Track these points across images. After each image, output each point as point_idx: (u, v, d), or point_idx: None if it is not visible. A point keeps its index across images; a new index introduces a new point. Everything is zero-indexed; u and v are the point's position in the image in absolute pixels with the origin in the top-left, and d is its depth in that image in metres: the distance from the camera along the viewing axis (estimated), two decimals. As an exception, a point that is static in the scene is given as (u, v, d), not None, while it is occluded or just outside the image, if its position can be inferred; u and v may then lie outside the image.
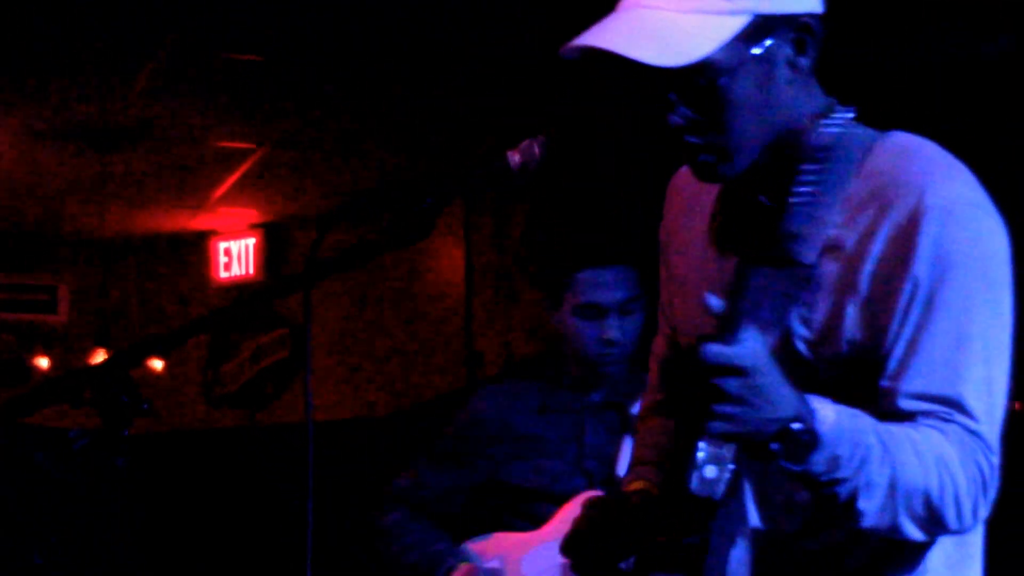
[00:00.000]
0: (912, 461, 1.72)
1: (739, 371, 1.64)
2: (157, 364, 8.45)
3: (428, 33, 5.59)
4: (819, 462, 1.70)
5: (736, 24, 1.76)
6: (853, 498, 1.71)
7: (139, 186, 8.38)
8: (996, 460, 1.78)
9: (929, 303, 1.77)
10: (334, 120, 7.17)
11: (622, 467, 3.45)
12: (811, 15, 1.83)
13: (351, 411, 8.88)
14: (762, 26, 1.79)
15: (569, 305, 3.49)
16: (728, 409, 1.65)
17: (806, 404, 1.69)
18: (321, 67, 6.34)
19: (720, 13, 1.76)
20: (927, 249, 1.77)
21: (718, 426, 1.66)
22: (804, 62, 1.83)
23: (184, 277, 9.81)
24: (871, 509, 1.72)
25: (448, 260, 8.38)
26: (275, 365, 9.48)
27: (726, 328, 1.66)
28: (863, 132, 1.88)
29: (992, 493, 1.77)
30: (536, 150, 1.81)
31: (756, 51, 1.78)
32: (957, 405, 1.77)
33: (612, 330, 3.47)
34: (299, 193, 8.64)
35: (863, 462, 1.70)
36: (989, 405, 1.78)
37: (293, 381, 9.37)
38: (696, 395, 1.66)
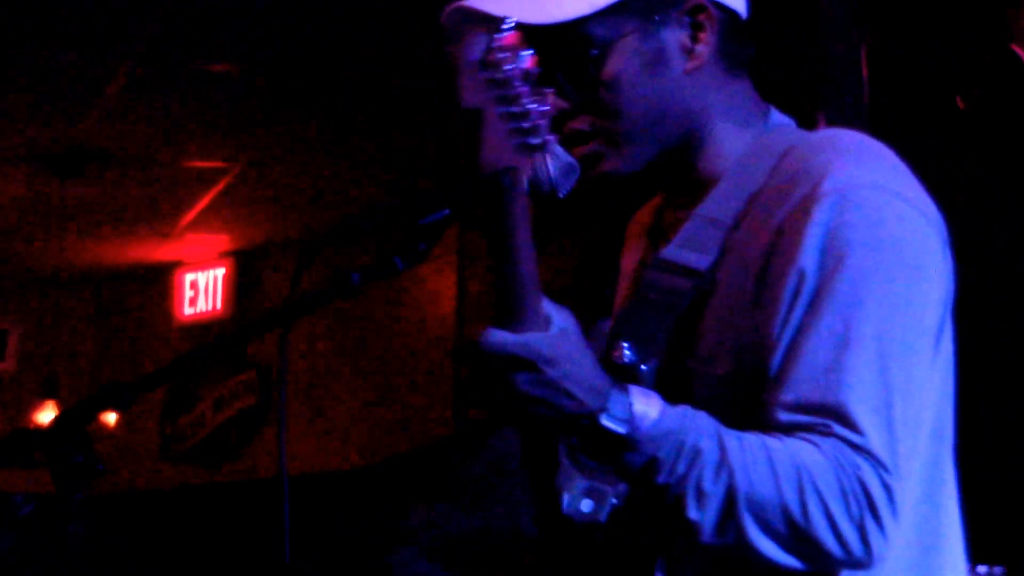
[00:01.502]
0: (763, 471, 1.59)
1: (526, 363, 1.55)
2: (110, 417, 8.21)
3: (419, 42, 5.52)
4: (634, 463, 1.60)
5: None
6: (681, 507, 1.60)
7: (100, 213, 8.37)
8: (895, 481, 1.60)
9: (815, 299, 1.64)
10: (314, 136, 7.20)
11: None
12: (714, 3, 1.79)
13: (325, 463, 8.72)
14: (648, 3, 1.77)
15: None
16: (521, 406, 1.57)
17: (621, 397, 1.60)
18: (299, 77, 6.36)
19: None
20: (816, 237, 1.65)
21: (518, 422, 1.62)
22: (702, 50, 1.78)
23: (145, 314, 9.69)
24: (706, 521, 1.60)
25: (437, 285, 8.23)
26: (241, 414, 9.24)
27: (513, 310, 1.55)
28: (790, 134, 1.82)
29: (888, 520, 1.60)
30: (548, 161, 1.63)
31: (638, 27, 1.76)
32: (838, 415, 1.61)
33: None
34: (275, 217, 8.61)
35: (690, 467, 1.59)
36: (884, 417, 1.61)
37: (261, 430, 9.17)
38: (484, 389, 1.58)
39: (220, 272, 9.35)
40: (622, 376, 1.66)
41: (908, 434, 1.62)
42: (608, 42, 1.75)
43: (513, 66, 1.52)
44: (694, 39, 1.78)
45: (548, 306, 1.60)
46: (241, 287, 9.29)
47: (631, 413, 1.59)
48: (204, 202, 8.26)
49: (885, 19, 4.25)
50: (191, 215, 8.51)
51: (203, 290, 9.41)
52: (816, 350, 1.63)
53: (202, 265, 9.42)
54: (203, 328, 9.22)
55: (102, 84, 6.39)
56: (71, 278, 9.49)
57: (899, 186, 1.70)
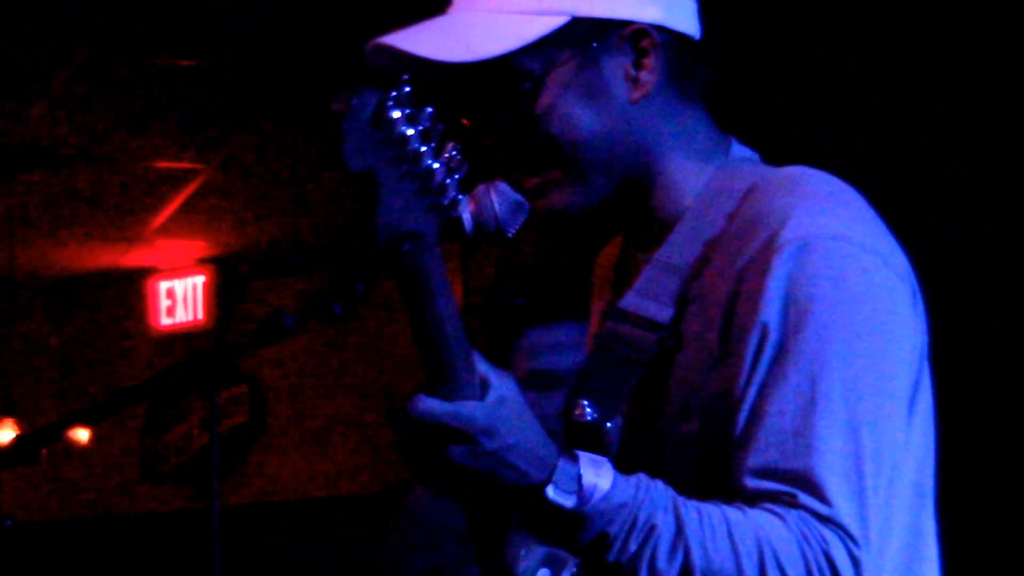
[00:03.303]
0: (723, 546, 1.59)
1: (460, 434, 1.54)
2: (82, 435, 7.92)
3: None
4: (582, 539, 1.59)
5: (546, 26, 1.73)
6: None
7: (58, 217, 8.23)
8: (864, 554, 1.60)
9: (779, 356, 1.64)
10: (294, 133, 7.04)
11: None
12: (656, 27, 1.76)
13: (319, 487, 8.66)
14: (585, 30, 1.74)
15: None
16: (456, 479, 1.58)
17: (569, 467, 1.59)
18: (276, 70, 6.26)
19: (529, 13, 1.73)
20: (776, 290, 1.64)
21: (454, 495, 1.64)
22: (647, 78, 1.76)
23: (116, 325, 9.45)
24: None
25: None
26: (231, 432, 9.03)
27: (443, 376, 1.54)
28: (753, 170, 1.79)
29: None
30: (493, 200, 1.69)
31: (574, 57, 1.75)
32: (805, 483, 1.60)
33: None
34: (256, 220, 8.40)
35: (643, 545, 1.58)
36: (854, 485, 1.60)
37: (252, 451, 9.04)
38: (414, 460, 1.59)
39: (199, 280, 9.17)
40: (584, 436, 1.69)
41: (880, 501, 1.62)
42: (541, 75, 1.74)
43: (410, 127, 1.48)
44: (638, 66, 1.77)
45: (484, 368, 1.58)
46: (224, 295, 9.17)
47: (580, 485, 1.59)
48: (174, 205, 8.13)
49: (879, 19, 4.30)
50: (161, 219, 8.37)
51: (181, 299, 9.24)
52: (782, 412, 1.63)
53: (179, 272, 9.26)
54: (183, 339, 9.06)
55: (50, 79, 6.30)
56: (27, 285, 9.34)
57: (863, 235, 1.69)
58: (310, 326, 1.56)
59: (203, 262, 9.08)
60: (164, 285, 9.20)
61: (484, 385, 1.57)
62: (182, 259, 9.09)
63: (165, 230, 8.49)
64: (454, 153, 1.56)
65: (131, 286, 9.28)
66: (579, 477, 1.58)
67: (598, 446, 1.69)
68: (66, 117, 6.71)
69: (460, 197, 1.55)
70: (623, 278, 1.88)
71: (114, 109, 6.68)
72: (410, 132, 1.48)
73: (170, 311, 9.13)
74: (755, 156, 1.84)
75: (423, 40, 1.70)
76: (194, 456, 9.13)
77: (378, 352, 8.54)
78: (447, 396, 1.54)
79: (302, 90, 6.31)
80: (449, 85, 1.76)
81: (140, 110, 6.72)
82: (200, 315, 9.06)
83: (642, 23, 1.76)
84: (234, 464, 8.96)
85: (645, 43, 1.75)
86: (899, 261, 1.71)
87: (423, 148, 1.50)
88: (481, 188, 1.71)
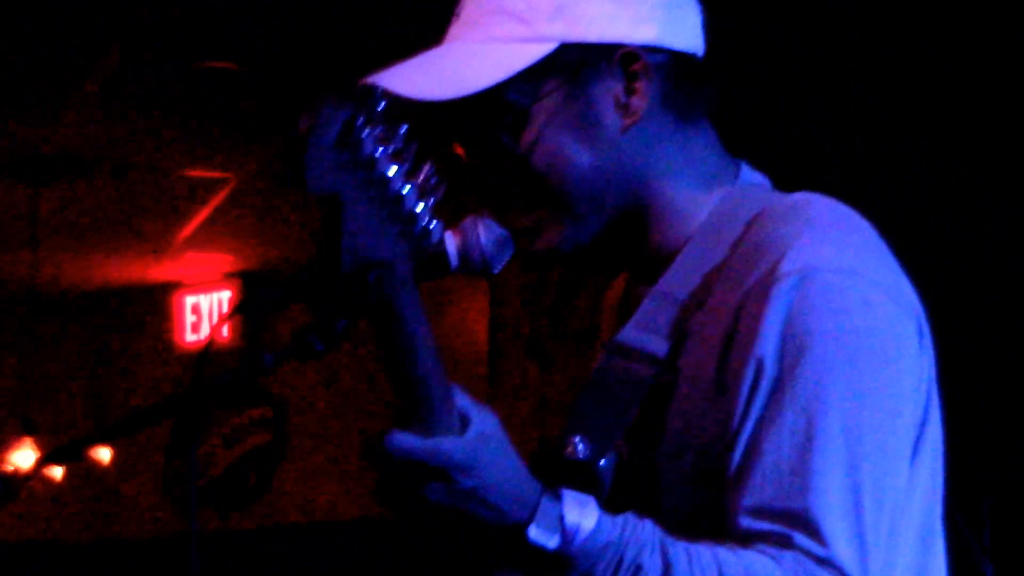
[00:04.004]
0: None
1: (438, 472, 1.53)
2: (103, 453, 7.96)
3: (430, 39, 4.98)
4: None
5: (535, 53, 1.69)
6: None
7: (82, 227, 8.18)
8: None
9: (776, 392, 1.61)
10: None
11: None
12: (650, 48, 1.72)
13: (347, 510, 8.49)
14: (574, 57, 1.71)
15: None
16: (433, 518, 1.57)
17: (551, 506, 1.57)
18: (306, 78, 6.06)
19: (516, 41, 1.70)
20: (774, 323, 1.62)
21: (431, 533, 1.63)
22: (638, 104, 1.72)
23: (140, 341, 9.44)
24: None
25: (467, 313, 8.02)
26: (255, 451, 9.07)
27: (420, 411, 1.52)
28: (761, 197, 1.76)
29: None
30: (480, 234, 1.68)
31: (563, 85, 1.72)
32: (803, 523, 1.58)
33: None
34: (285, 233, 8.27)
35: None
36: (853, 525, 1.58)
37: (274, 472, 9.04)
38: (391, 498, 1.57)
39: (225, 295, 9.15)
40: (576, 474, 1.66)
41: (882, 542, 1.59)
42: (526, 107, 1.71)
43: (380, 147, 1.41)
44: (628, 91, 1.72)
45: (464, 403, 1.55)
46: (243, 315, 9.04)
47: (562, 524, 1.57)
48: (201, 217, 8.08)
49: (879, 19, 4.32)
50: (187, 231, 8.33)
51: (207, 315, 9.23)
52: (778, 449, 1.61)
53: (204, 287, 9.24)
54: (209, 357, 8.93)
55: (80, 84, 6.24)
56: (50, 299, 9.25)
57: (867, 267, 1.66)
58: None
59: (230, 276, 9.12)
60: (189, 300, 9.22)
61: (463, 420, 1.55)
62: (208, 273, 9.11)
63: (192, 242, 8.50)
64: (429, 175, 1.51)
65: (156, 301, 9.30)
66: (561, 517, 1.57)
67: (591, 484, 1.67)
68: (88, 127, 6.68)
69: (434, 224, 1.50)
70: (625, 311, 1.85)
71: (143, 118, 6.67)
72: (379, 153, 1.43)
73: (195, 327, 9.13)
74: (765, 181, 1.80)
75: (409, 77, 1.66)
76: (219, 477, 9.13)
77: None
78: (424, 432, 1.53)
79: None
80: (435, 114, 1.71)
81: (168, 119, 6.71)
82: (225, 332, 8.92)
83: (633, 45, 1.71)
84: (258, 486, 8.98)
85: (636, 67, 1.71)
86: (905, 294, 1.69)
87: (393, 170, 1.45)
88: (468, 221, 1.70)
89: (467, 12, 1.74)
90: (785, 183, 1.81)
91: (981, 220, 4.21)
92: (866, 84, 4.33)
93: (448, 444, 1.53)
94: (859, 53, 4.35)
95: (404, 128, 1.46)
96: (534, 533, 1.58)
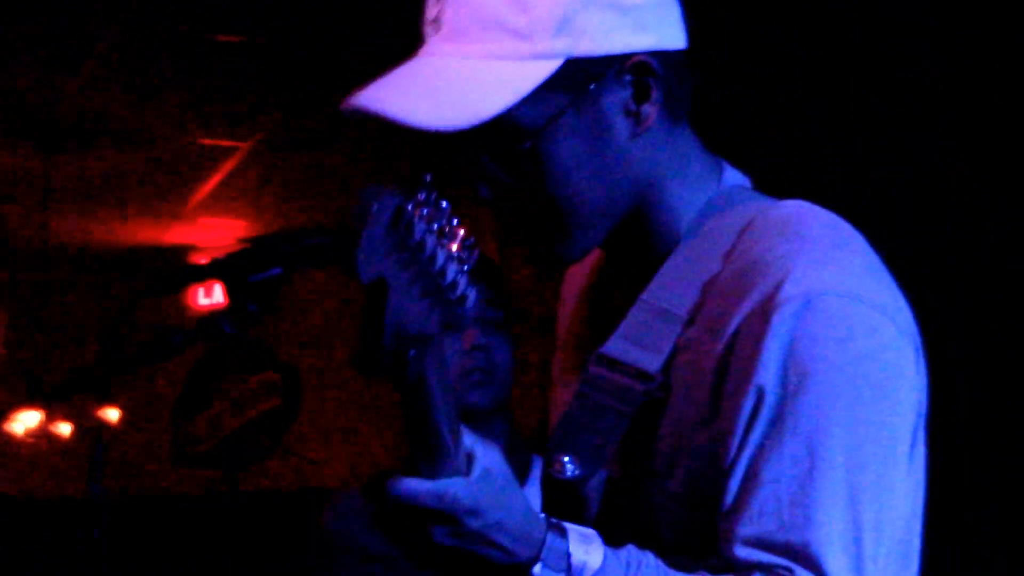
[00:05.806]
0: None
1: (443, 516, 1.51)
2: (112, 414, 7.79)
3: None
4: None
5: (541, 72, 1.63)
6: None
7: (97, 191, 8.19)
8: None
9: (776, 421, 1.58)
10: (337, 112, 6.71)
11: None
12: (653, 52, 1.68)
13: (358, 474, 8.59)
14: (581, 71, 1.65)
15: None
16: (440, 560, 1.56)
17: (558, 544, 1.57)
18: (320, 47, 6.21)
19: (521, 59, 1.63)
20: (775, 351, 1.58)
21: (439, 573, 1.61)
22: (649, 111, 1.69)
23: (153, 304, 8.79)
24: None
25: None
26: (264, 416, 9.06)
27: (428, 452, 1.50)
28: (749, 203, 1.73)
29: None
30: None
31: (573, 102, 1.66)
32: (803, 558, 1.56)
33: None
34: (298, 198, 8.35)
35: None
36: (853, 558, 1.57)
37: (283, 437, 9.05)
38: (398, 540, 1.56)
39: None
40: (563, 494, 1.66)
41: (880, 574, 1.59)
42: (538, 128, 1.65)
43: (428, 230, 1.40)
44: (639, 98, 1.70)
45: (470, 440, 1.54)
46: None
47: (569, 563, 1.57)
48: (214, 182, 8.07)
49: (879, 19, 4.32)
50: (199, 196, 8.31)
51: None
52: (778, 480, 1.58)
53: (218, 252, 8.85)
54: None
55: (90, 48, 6.24)
56: (64, 261, 9.31)
57: (868, 290, 1.63)
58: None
59: (244, 242, 8.87)
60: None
61: (469, 459, 1.54)
62: (222, 238, 9.05)
63: (206, 207, 8.44)
64: (466, 243, 1.51)
65: (169, 264, 9.17)
66: (568, 555, 1.57)
67: (578, 504, 1.67)
68: (97, 93, 6.69)
69: (471, 292, 1.51)
70: (602, 308, 1.83)
71: (157, 83, 6.64)
72: (428, 238, 1.43)
73: (207, 291, 8.96)
74: (747, 181, 1.78)
75: (413, 102, 1.61)
76: (225, 440, 9.07)
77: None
78: (431, 473, 1.51)
79: (347, 67, 6.13)
80: (440, 140, 1.66)
81: (183, 85, 6.69)
82: (220, 295, 8.91)
83: (640, 53, 1.68)
84: (268, 448, 8.91)
85: (646, 74, 1.68)
86: (904, 315, 1.66)
87: (439, 249, 1.45)
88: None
89: (450, 22, 1.67)
90: (785, 183, 1.80)
91: (981, 220, 4.19)
92: (866, 84, 4.33)
93: (453, 488, 1.52)
94: (859, 53, 4.35)
95: (447, 206, 1.46)
96: (540, 572, 1.58)
